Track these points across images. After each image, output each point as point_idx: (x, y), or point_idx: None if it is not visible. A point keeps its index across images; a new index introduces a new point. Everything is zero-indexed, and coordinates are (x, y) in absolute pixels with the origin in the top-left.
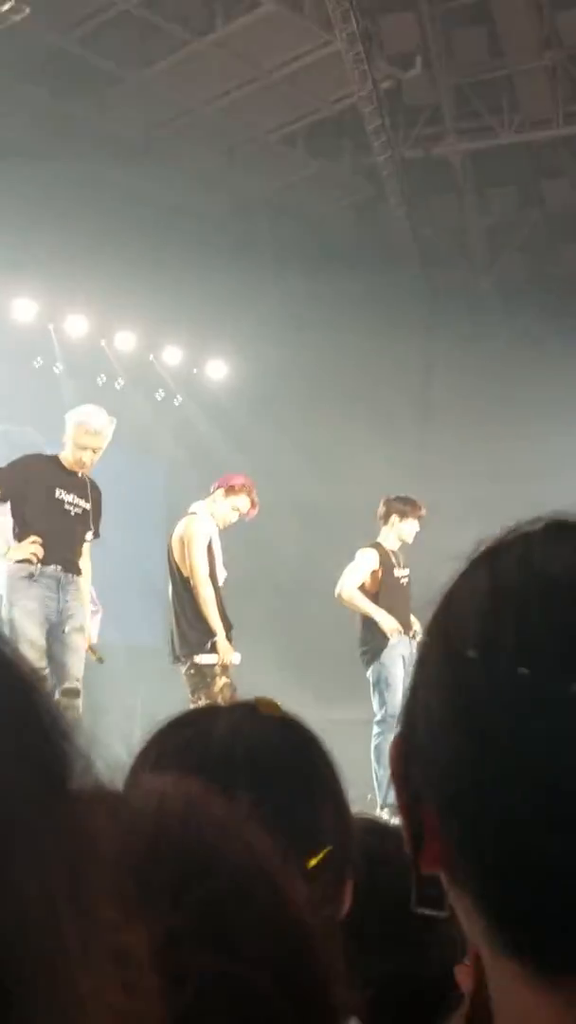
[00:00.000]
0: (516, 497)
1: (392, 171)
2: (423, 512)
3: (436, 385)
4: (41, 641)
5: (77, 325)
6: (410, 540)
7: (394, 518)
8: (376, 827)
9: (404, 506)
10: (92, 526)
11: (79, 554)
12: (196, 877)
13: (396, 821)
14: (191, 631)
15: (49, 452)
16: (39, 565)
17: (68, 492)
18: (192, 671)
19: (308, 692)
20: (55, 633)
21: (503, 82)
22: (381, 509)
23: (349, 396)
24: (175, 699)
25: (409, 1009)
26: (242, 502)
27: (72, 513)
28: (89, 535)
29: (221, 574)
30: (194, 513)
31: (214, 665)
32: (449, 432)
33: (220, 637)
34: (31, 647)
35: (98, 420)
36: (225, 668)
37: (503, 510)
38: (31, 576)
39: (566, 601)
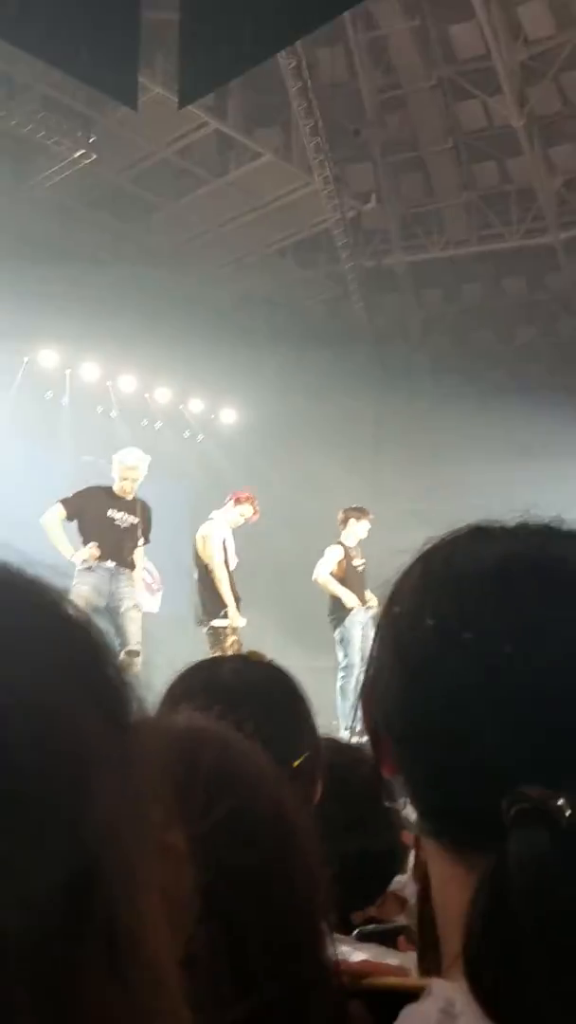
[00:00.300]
0: (443, 509)
1: (354, 276)
2: (371, 516)
3: (385, 429)
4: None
5: (128, 383)
6: (364, 535)
7: (351, 521)
8: (337, 744)
9: (356, 512)
10: (142, 535)
11: (130, 554)
12: (224, 792)
13: (352, 740)
14: (209, 603)
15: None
16: (97, 562)
17: (118, 511)
18: (210, 632)
19: (297, 646)
20: (115, 611)
21: (434, 214)
22: (340, 516)
23: (322, 435)
24: (199, 651)
25: (364, 877)
26: (247, 510)
27: (122, 527)
28: (140, 541)
29: (233, 561)
30: (212, 518)
31: (226, 627)
32: (394, 462)
33: (231, 607)
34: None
35: (132, 458)
36: (234, 630)
37: (433, 518)
38: (90, 568)
39: (469, 586)
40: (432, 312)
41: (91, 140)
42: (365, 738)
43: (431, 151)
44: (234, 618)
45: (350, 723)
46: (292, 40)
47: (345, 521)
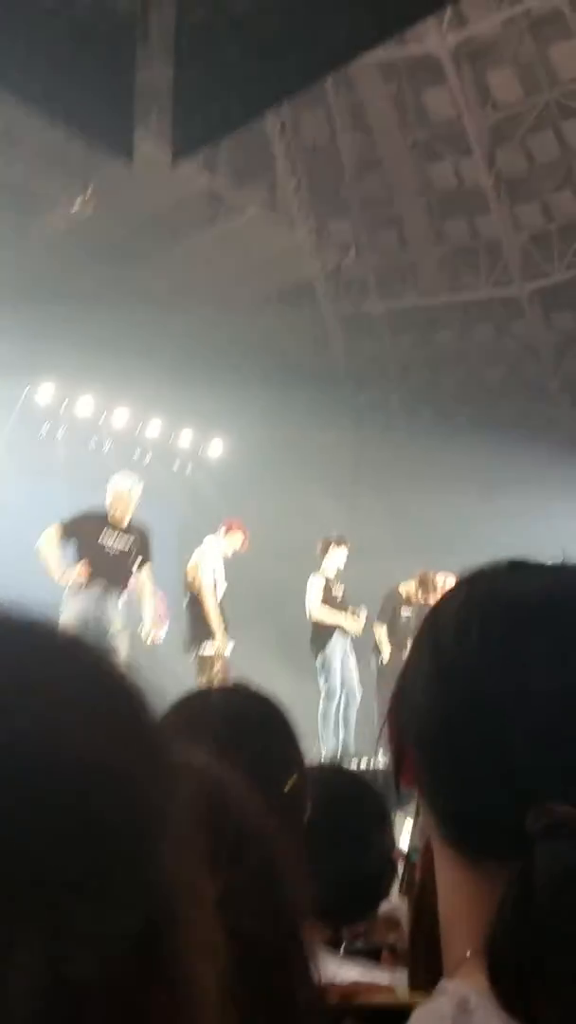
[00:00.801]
0: (416, 535)
1: (335, 321)
2: (347, 544)
3: (363, 462)
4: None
5: (121, 417)
6: (342, 565)
7: (331, 548)
8: (334, 767)
9: (331, 541)
10: (136, 557)
11: (122, 579)
12: (250, 836)
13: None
14: (197, 628)
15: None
16: (84, 587)
17: (111, 538)
18: (197, 660)
19: (286, 668)
20: (102, 635)
21: (409, 266)
22: (319, 546)
23: (305, 468)
24: (190, 673)
25: (356, 894)
26: (237, 539)
27: (111, 553)
28: (134, 565)
29: (221, 587)
30: (204, 546)
31: (212, 656)
32: (371, 493)
33: (218, 633)
34: None
35: (124, 484)
36: (221, 658)
37: (407, 544)
38: (77, 591)
39: (515, 612)
40: (407, 355)
41: (89, 192)
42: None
43: (406, 207)
44: (221, 645)
45: (332, 747)
46: (277, 102)
47: (324, 550)
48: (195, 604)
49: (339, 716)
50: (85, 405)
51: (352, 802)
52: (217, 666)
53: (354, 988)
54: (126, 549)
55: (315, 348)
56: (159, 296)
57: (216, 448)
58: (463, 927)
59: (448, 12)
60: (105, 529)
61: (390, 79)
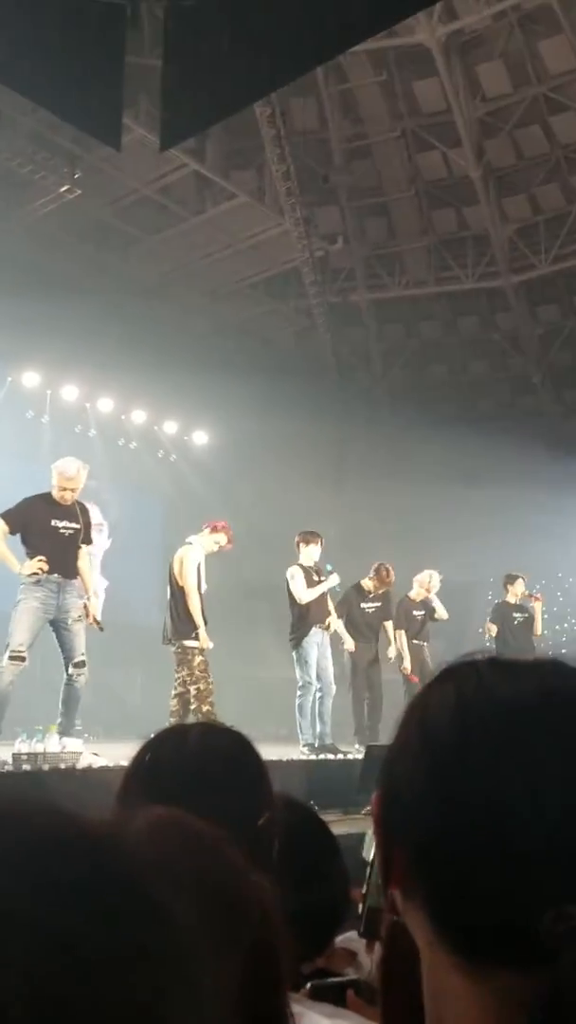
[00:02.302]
0: (398, 527)
1: (321, 311)
2: (318, 540)
3: (347, 454)
4: (24, 640)
5: (106, 405)
6: (317, 557)
7: (301, 545)
8: (289, 800)
9: (308, 536)
10: (83, 540)
11: (75, 562)
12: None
13: (313, 756)
14: (181, 623)
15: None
16: (44, 575)
17: (60, 520)
18: (179, 650)
19: (269, 658)
20: (61, 624)
21: (395, 255)
22: (296, 540)
23: (289, 458)
24: (164, 669)
25: (314, 929)
26: (222, 538)
27: (66, 535)
28: (83, 546)
29: (203, 586)
30: (189, 543)
31: (196, 647)
32: (355, 484)
33: (202, 629)
34: (13, 646)
35: (72, 468)
36: (202, 650)
37: (389, 536)
38: (38, 582)
39: (517, 715)
40: (392, 346)
41: (76, 176)
42: (325, 755)
43: (394, 197)
44: (204, 640)
45: (308, 739)
46: (268, 91)
47: (297, 545)
48: (179, 599)
49: (315, 709)
50: (70, 392)
51: (304, 835)
52: (199, 658)
53: None
54: (78, 527)
55: (300, 337)
56: (144, 283)
57: (200, 437)
58: None
59: (439, 4)
60: (53, 510)
61: (380, 69)
